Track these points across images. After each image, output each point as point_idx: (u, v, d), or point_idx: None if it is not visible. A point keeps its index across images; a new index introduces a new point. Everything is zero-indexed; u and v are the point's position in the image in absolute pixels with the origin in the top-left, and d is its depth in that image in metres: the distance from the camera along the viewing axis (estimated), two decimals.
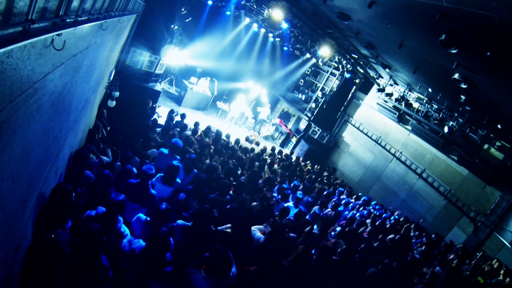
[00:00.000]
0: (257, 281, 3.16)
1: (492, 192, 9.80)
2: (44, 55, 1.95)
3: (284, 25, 10.92)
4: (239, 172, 7.31)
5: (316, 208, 7.05)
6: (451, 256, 7.86)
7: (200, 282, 2.68)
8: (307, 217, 5.92)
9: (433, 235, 9.47)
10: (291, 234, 4.67)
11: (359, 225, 7.04)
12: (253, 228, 4.13)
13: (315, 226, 5.47)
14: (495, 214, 9.48)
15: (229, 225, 3.88)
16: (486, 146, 9.89)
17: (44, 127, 2.39)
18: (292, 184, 8.17)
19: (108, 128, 6.84)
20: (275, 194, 6.88)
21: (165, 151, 5.68)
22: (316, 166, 13.68)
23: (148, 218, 3.39)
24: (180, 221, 3.44)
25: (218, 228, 3.77)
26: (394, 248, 6.71)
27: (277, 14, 9.75)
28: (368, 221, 8.21)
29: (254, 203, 5.44)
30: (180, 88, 14.70)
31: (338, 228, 6.70)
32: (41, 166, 2.53)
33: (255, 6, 10.49)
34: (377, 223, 8.27)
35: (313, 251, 4.44)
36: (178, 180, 4.92)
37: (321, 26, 10.19)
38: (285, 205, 6.53)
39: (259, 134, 16.65)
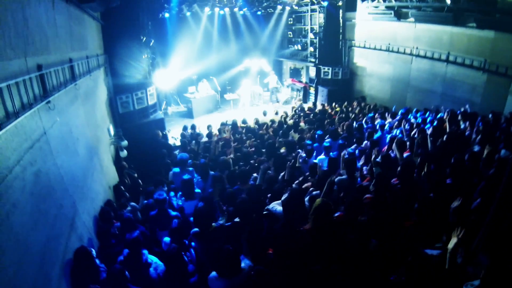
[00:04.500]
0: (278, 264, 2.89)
1: None
2: None
3: None
4: (264, 150, 7.27)
5: (349, 149, 6.62)
6: None
7: (215, 284, 2.78)
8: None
9: (489, 115, 8.32)
10: (314, 193, 4.15)
11: (401, 145, 5.85)
12: (272, 205, 3.79)
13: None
14: None
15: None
16: None
17: (33, 214, 2.85)
18: (316, 135, 7.77)
19: (135, 174, 7.38)
20: (304, 155, 6.48)
21: (177, 169, 5.95)
22: (344, 104, 13.43)
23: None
24: (193, 230, 3.61)
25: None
26: (442, 153, 5.46)
27: None
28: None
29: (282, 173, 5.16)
30: (186, 103, 15.20)
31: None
32: (51, 243, 3.00)
33: None
34: (413, 134, 7.25)
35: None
36: (198, 190, 5.06)
37: None
38: (315, 160, 6.22)
39: (278, 102, 16.71)
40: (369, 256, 2.86)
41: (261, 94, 16.90)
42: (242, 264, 2.88)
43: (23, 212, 2.68)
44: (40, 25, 3.83)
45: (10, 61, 2.92)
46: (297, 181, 4.85)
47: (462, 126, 8.28)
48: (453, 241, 2.52)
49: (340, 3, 14.63)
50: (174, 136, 10.78)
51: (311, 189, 4.40)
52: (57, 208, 3.36)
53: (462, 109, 9.25)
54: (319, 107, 13.59)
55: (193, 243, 3.64)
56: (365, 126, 9.14)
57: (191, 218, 4.42)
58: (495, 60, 9.51)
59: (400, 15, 12.11)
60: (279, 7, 15.13)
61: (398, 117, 9.84)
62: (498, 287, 2.06)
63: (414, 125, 8.44)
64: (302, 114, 12.31)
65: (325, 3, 14.15)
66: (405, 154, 5.90)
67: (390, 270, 2.77)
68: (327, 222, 3.04)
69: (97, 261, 3.43)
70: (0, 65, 2.71)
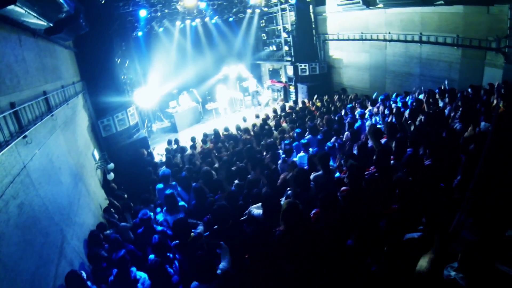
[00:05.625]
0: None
1: (500, 10, 8.60)
2: None
3: (202, 5, 10.80)
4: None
5: (328, 142, 6.56)
6: (494, 101, 6.60)
7: None
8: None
9: (469, 89, 8.37)
10: (289, 192, 4.17)
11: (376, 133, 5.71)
12: (250, 208, 3.88)
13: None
14: None
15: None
16: None
17: (20, 244, 3.01)
18: (295, 133, 7.78)
19: (125, 195, 7.47)
20: (284, 156, 6.49)
21: (160, 185, 6.02)
22: (325, 99, 13.59)
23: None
24: (174, 242, 3.71)
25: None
26: (421, 135, 5.30)
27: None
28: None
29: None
30: (169, 118, 15.33)
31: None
32: (40, 270, 3.16)
33: (166, 11, 10.56)
34: (389, 119, 7.38)
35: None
36: (182, 203, 5.14)
37: None
38: (294, 159, 6.23)
39: (260, 105, 16.88)
40: (347, 250, 2.81)
41: (242, 99, 17.10)
42: (218, 271, 2.93)
43: (10, 243, 2.83)
44: (8, 65, 3.96)
45: None
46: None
47: (441, 104, 8.24)
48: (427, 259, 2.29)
49: None
50: (159, 152, 10.91)
51: (288, 188, 4.40)
52: (44, 237, 3.50)
53: (442, 87, 9.36)
54: (300, 104, 13.73)
55: (177, 255, 3.77)
56: (345, 117, 9.25)
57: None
58: (468, 35, 9.61)
59: (368, 2, 12.18)
60: (249, 10, 15.30)
61: (378, 104, 10.01)
62: (476, 267, 2.11)
63: (394, 110, 8.57)
64: (283, 114, 12.42)
65: (293, 1, 14.32)
66: (383, 140, 5.82)
67: (371, 261, 2.73)
68: (299, 222, 3.02)
69: (89, 283, 3.56)
70: None
